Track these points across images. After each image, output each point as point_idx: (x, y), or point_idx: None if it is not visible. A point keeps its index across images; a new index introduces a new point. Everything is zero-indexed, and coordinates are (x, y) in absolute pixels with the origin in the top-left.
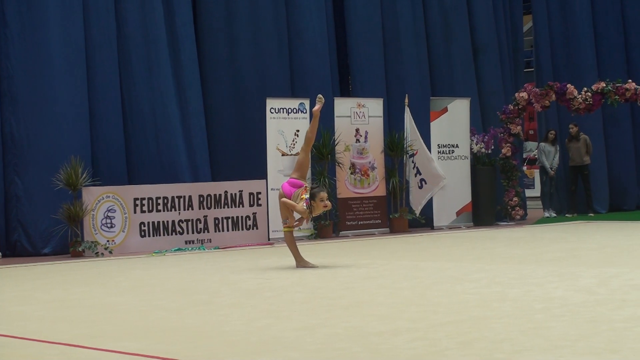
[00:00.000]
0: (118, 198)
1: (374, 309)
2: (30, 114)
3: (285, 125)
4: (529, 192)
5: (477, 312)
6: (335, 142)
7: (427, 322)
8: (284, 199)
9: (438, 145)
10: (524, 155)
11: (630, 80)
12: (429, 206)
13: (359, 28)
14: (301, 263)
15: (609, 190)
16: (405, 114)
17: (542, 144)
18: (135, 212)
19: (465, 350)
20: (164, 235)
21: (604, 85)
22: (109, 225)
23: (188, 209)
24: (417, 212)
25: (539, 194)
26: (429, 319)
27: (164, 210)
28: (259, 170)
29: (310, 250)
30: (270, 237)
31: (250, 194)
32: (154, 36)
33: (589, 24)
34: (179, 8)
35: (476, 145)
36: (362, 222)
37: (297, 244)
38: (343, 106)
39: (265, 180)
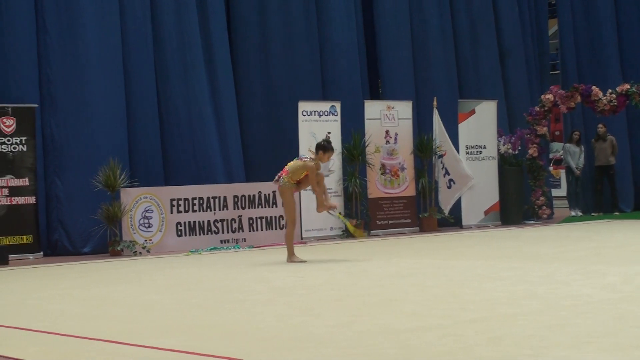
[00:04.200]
0: (155, 199)
1: (405, 306)
2: (70, 117)
3: (317, 128)
4: (555, 192)
5: (505, 309)
6: (366, 144)
7: (456, 319)
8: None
9: (466, 146)
10: (550, 156)
11: None
12: (457, 206)
13: (388, 33)
14: (292, 259)
15: (634, 190)
16: (434, 116)
17: (568, 144)
18: (172, 212)
19: (494, 346)
20: (199, 234)
21: (629, 87)
22: (146, 225)
23: (223, 209)
24: (446, 211)
25: (565, 194)
26: (458, 316)
27: (199, 211)
28: None
29: (341, 249)
30: (302, 236)
31: None
32: (189, 40)
33: (613, 27)
34: (214, 13)
35: (503, 146)
36: (392, 222)
37: (329, 243)
38: (373, 109)
39: None
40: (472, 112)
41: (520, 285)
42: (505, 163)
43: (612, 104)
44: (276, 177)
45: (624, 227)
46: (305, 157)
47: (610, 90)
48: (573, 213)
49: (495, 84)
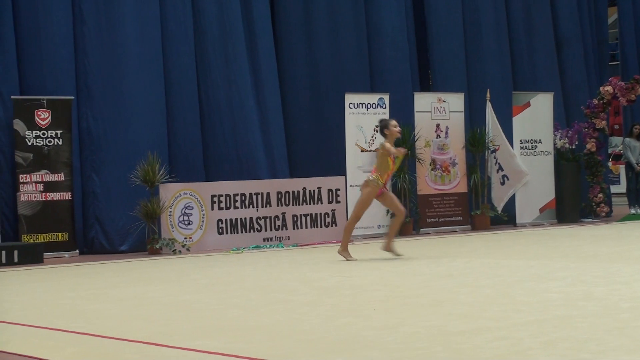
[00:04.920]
0: (195, 195)
1: (455, 308)
2: (107, 110)
3: (365, 121)
4: (614, 189)
5: (561, 311)
6: (416, 138)
7: (509, 321)
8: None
9: (520, 140)
10: (609, 151)
11: None
12: (511, 203)
13: (439, 22)
14: (343, 253)
15: None
16: (487, 109)
17: (627, 139)
18: (212, 209)
19: (549, 350)
20: (241, 232)
21: None
22: (186, 222)
23: (266, 206)
24: (499, 208)
25: (624, 190)
26: (511, 318)
27: (241, 207)
28: (338, 167)
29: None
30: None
31: (329, 190)
32: (231, 30)
33: None
34: (257, 2)
35: (560, 140)
36: (442, 219)
37: (377, 241)
38: (423, 101)
39: (344, 176)
40: (527, 104)
41: (577, 286)
42: (561, 158)
43: None
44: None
45: None
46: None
47: None
48: (633, 211)
49: (551, 76)
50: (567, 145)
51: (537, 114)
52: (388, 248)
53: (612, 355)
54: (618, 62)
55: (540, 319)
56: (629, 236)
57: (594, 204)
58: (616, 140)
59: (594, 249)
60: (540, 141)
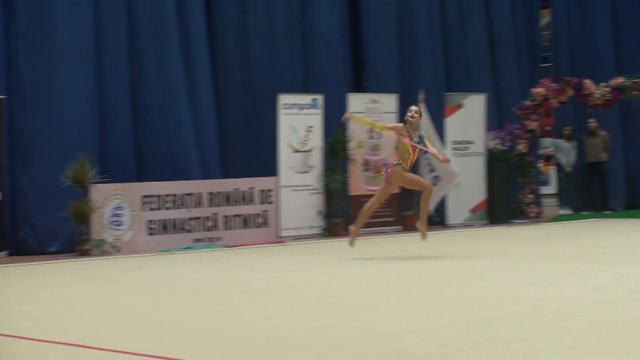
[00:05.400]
0: (126, 195)
1: (386, 308)
2: (39, 109)
3: (298, 121)
4: (544, 189)
5: (490, 311)
6: (349, 139)
7: (439, 321)
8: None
9: (453, 141)
10: (540, 152)
11: None
12: (442, 203)
13: (373, 23)
14: (422, 227)
15: (626, 188)
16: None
17: (558, 140)
18: (143, 210)
19: (478, 350)
20: (172, 233)
21: (623, 80)
22: (117, 223)
23: (197, 207)
24: (431, 209)
25: (555, 191)
26: (441, 318)
27: (173, 208)
28: (271, 167)
29: (321, 248)
30: (280, 235)
31: (261, 191)
32: (165, 30)
33: (608, 19)
34: (191, 1)
35: (492, 141)
36: (374, 220)
37: (308, 242)
38: (357, 102)
39: (276, 177)
40: (460, 105)
41: (507, 286)
42: (493, 159)
43: (605, 98)
44: (389, 168)
45: (614, 227)
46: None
47: (603, 84)
48: (562, 211)
49: (484, 77)
50: (499, 146)
51: (469, 115)
52: (422, 226)
53: (539, 355)
54: (550, 64)
55: (470, 319)
56: (558, 237)
57: (524, 204)
58: (547, 141)
59: (524, 249)
60: (472, 142)
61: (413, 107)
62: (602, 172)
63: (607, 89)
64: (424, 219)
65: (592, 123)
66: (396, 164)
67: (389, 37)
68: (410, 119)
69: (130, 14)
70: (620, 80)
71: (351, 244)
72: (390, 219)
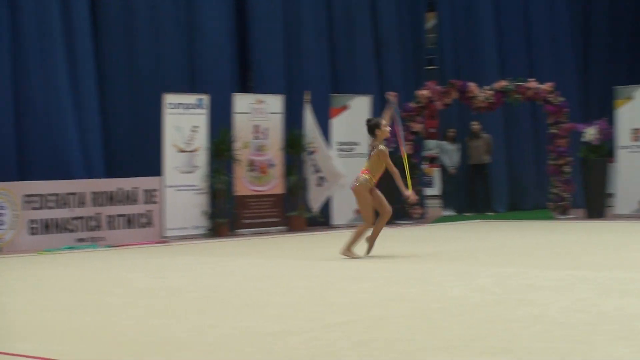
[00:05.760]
0: (8, 194)
1: (270, 309)
2: None
3: (183, 121)
4: (429, 191)
5: (374, 311)
6: (234, 139)
7: (322, 322)
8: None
9: (338, 142)
10: (425, 154)
11: (532, 79)
12: (327, 204)
13: (259, 23)
14: (347, 253)
15: (508, 190)
16: (306, 111)
17: (443, 142)
18: (25, 209)
19: (360, 350)
20: (55, 233)
21: (506, 84)
22: None
23: (80, 206)
24: (316, 210)
25: (439, 193)
26: (324, 318)
27: (55, 208)
28: (155, 167)
29: (206, 248)
30: (165, 235)
31: (146, 191)
32: (48, 29)
33: (493, 23)
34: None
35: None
36: (259, 220)
37: (193, 242)
38: (242, 102)
39: (161, 177)
40: (346, 107)
41: (390, 287)
42: None
43: (488, 101)
44: (355, 180)
45: (496, 228)
46: (374, 148)
47: (487, 87)
48: (446, 213)
49: (370, 79)
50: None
51: (355, 117)
52: (371, 245)
53: (422, 354)
54: (435, 67)
55: (353, 319)
56: (441, 238)
57: (408, 205)
58: (431, 143)
59: (407, 250)
60: (357, 143)
61: (384, 120)
62: (485, 174)
63: (491, 92)
64: (374, 238)
65: (475, 126)
66: (365, 179)
67: (275, 38)
68: (388, 134)
69: (13, 12)
70: (503, 83)
71: (354, 255)
72: (276, 220)
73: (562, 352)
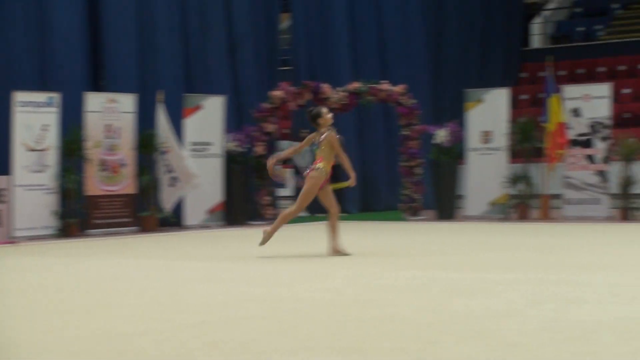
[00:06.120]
0: None
1: (120, 310)
2: None
3: (33, 120)
4: (281, 192)
5: (225, 312)
6: (86, 138)
7: (174, 322)
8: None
9: (191, 142)
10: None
11: (384, 81)
12: (180, 205)
13: (113, 21)
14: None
15: (361, 191)
16: (158, 111)
17: (296, 143)
18: None
19: (212, 351)
20: None
21: (359, 85)
22: None
23: None
24: (168, 210)
25: (291, 194)
26: (176, 319)
27: None
28: (4, 166)
29: (55, 248)
30: (13, 235)
31: None
32: None
33: (346, 25)
34: None
35: (230, 143)
36: (111, 221)
37: (43, 243)
38: (94, 101)
39: (10, 176)
40: (199, 107)
41: (242, 287)
42: (231, 161)
43: (342, 102)
44: (308, 170)
45: (348, 229)
46: (322, 135)
47: (340, 89)
48: (299, 213)
49: (224, 79)
50: (237, 148)
51: (208, 117)
52: (336, 249)
53: (273, 355)
54: (289, 68)
55: (205, 320)
56: (295, 238)
57: (261, 206)
58: (285, 144)
59: (260, 250)
60: (211, 144)
61: (325, 108)
62: (336, 175)
63: (344, 94)
64: (336, 239)
65: None
66: (320, 167)
67: (128, 36)
68: (331, 121)
69: None
70: (356, 85)
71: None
72: (127, 220)
73: (412, 351)
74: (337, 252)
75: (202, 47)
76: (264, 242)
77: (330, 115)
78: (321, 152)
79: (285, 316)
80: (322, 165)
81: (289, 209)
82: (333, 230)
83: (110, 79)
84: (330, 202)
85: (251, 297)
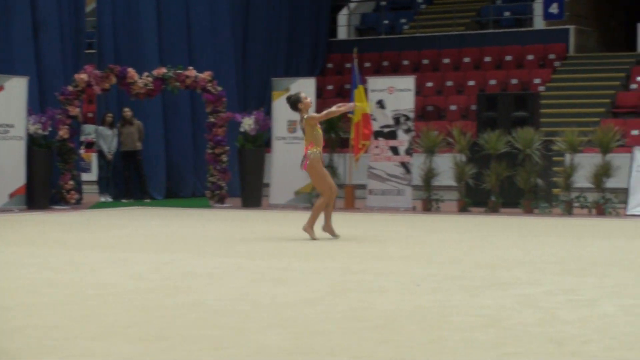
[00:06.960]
0: None
1: None
2: None
3: None
4: (85, 176)
5: (27, 298)
6: None
7: None
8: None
9: None
10: (82, 138)
11: (191, 68)
12: None
13: None
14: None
15: (166, 177)
16: None
17: (100, 127)
18: None
19: (14, 336)
20: None
21: (165, 71)
22: None
23: None
24: None
25: (96, 178)
26: None
27: None
28: None
29: None
30: None
31: None
32: None
33: (153, 10)
34: None
35: (33, 126)
36: None
37: None
38: None
39: None
40: (1, 88)
41: (44, 273)
42: (34, 144)
43: (148, 87)
44: (302, 159)
45: (153, 215)
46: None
47: (147, 74)
48: (103, 199)
49: (27, 60)
50: (40, 131)
51: (10, 98)
52: (328, 229)
53: (76, 341)
54: (94, 51)
55: (6, 305)
56: (98, 224)
57: (64, 190)
58: (89, 128)
59: (63, 236)
60: (12, 126)
61: (303, 93)
62: (138, 160)
63: (150, 79)
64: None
65: (127, 112)
66: (313, 152)
67: None
68: (310, 104)
69: None
70: (163, 70)
71: (313, 235)
72: None
73: (216, 339)
74: (320, 232)
75: (5, 27)
76: (312, 238)
77: (309, 100)
78: (308, 137)
79: (87, 302)
80: (314, 150)
81: (318, 200)
82: (326, 212)
83: None
84: (326, 184)
85: (52, 282)
